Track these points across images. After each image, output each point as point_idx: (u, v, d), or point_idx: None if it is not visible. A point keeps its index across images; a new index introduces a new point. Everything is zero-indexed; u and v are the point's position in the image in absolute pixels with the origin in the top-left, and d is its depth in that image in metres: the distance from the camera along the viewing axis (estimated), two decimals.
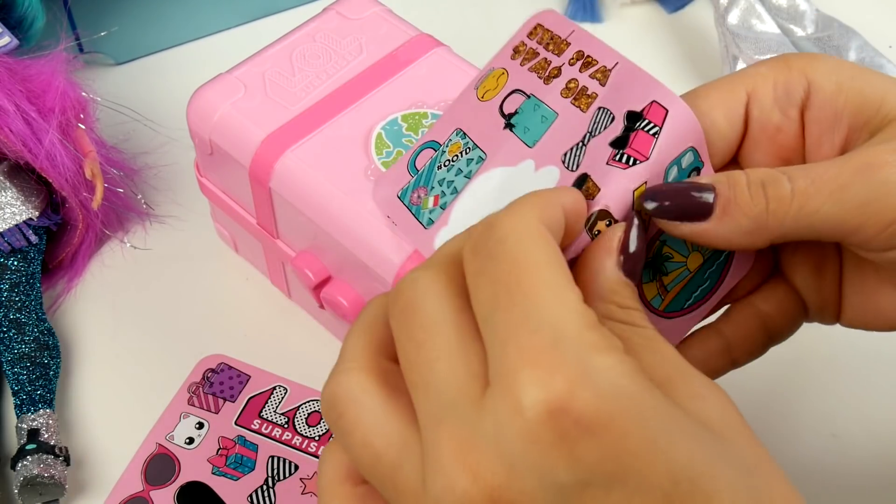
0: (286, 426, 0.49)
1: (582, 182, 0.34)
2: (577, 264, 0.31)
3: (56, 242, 0.55)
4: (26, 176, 0.53)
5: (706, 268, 0.36)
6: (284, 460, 0.48)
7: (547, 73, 0.38)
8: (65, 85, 0.51)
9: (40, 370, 0.49)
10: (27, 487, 0.45)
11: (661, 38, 0.66)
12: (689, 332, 0.37)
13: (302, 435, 0.48)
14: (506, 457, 0.25)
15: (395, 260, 0.42)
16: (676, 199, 0.32)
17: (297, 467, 0.47)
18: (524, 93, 0.39)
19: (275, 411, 0.49)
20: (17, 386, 0.48)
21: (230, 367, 0.51)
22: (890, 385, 0.51)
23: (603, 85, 0.36)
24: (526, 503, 0.25)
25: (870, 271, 0.35)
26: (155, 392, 0.50)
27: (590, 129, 0.36)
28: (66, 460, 0.46)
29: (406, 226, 0.40)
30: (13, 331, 0.50)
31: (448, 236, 0.36)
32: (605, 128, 0.35)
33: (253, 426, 0.49)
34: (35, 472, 0.45)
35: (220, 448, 0.48)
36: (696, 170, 0.34)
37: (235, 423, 0.49)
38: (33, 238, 0.52)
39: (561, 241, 0.29)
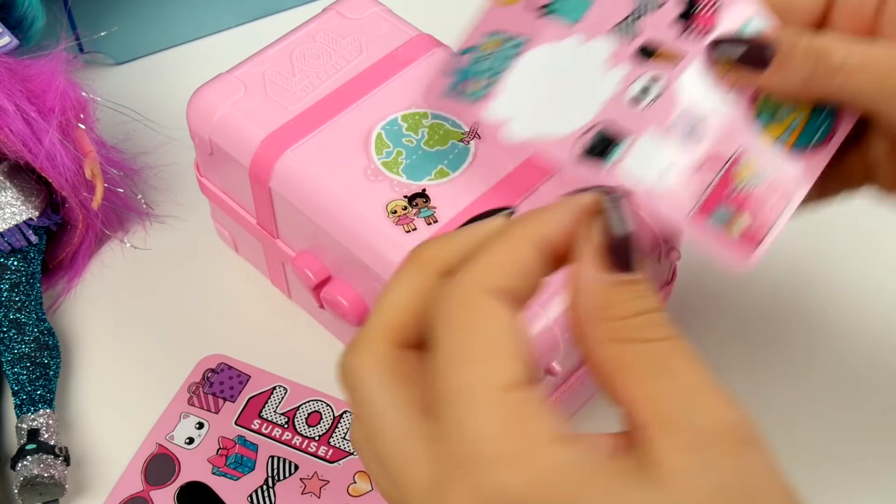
0: (286, 426, 0.49)
1: (650, 53, 0.40)
2: (568, 280, 0.29)
3: (56, 242, 0.55)
4: (26, 176, 0.53)
5: (819, 110, 0.39)
6: (284, 460, 0.48)
7: None
8: (65, 85, 0.51)
9: (40, 370, 0.49)
10: (27, 487, 0.45)
11: None
12: None
13: (302, 435, 0.48)
14: None
15: (395, 260, 0.42)
16: (742, 47, 0.38)
17: (297, 467, 0.48)
18: None
19: (275, 411, 0.49)
20: (17, 386, 0.48)
21: (230, 367, 0.51)
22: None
23: None
24: None
25: None
26: (155, 392, 0.50)
27: (640, 4, 0.41)
28: (66, 460, 0.46)
29: (457, 109, 0.41)
30: (13, 331, 0.50)
31: (501, 105, 0.40)
32: (656, 6, 0.41)
33: (253, 426, 0.49)
34: (35, 472, 0.45)
35: (220, 448, 0.48)
36: None
37: (235, 423, 0.49)
38: (33, 238, 0.52)
39: (551, 265, 0.29)
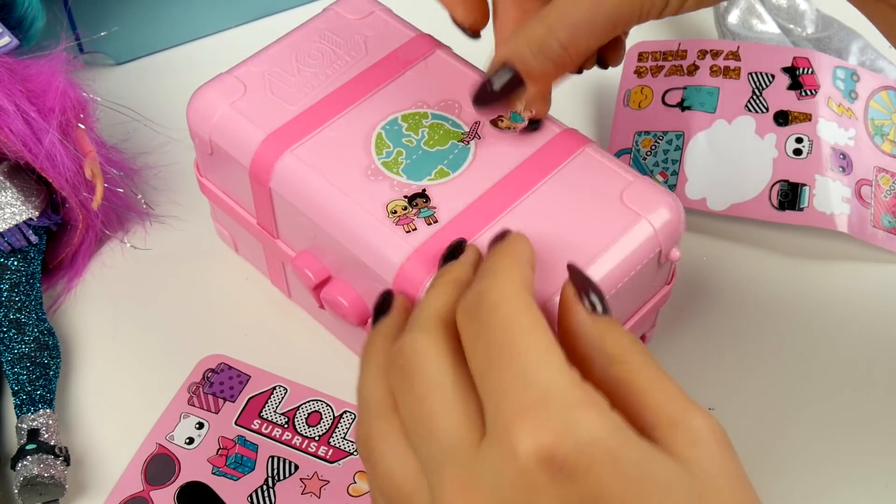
0: (286, 426, 0.49)
1: (786, 118, 0.54)
2: (559, 330, 0.35)
3: (56, 242, 0.55)
4: (26, 176, 0.53)
5: None
6: (284, 460, 0.48)
7: (686, 72, 0.57)
8: (65, 85, 0.51)
9: (40, 370, 0.49)
10: (27, 487, 0.45)
11: (662, 39, 0.66)
12: None
13: (302, 435, 0.49)
14: (500, 496, 0.29)
15: (395, 260, 0.42)
16: (498, 83, 0.41)
17: (297, 467, 0.48)
18: (678, 88, 0.57)
19: (275, 411, 0.49)
20: (17, 386, 0.48)
21: (230, 367, 0.51)
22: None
23: (739, 60, 0.57)
24: None
25: None
26: (155, 392, 0.50)
27: (754, 86, 0.56)
28: (66, 460, 0.46)
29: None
30: (13, 331, 0.50)
31: (694, 187, 0.55)
32: (770, 82, 0.56)
33: (253, 426, 0.49)
34: (35, 472, 0.45)
35: (220, 448, 0.48)
36: (853, 75, 0.57)
37: (235, 423, 0.49)
38: (33, 238, 0.52)
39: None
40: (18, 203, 0.52)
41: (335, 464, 0.48)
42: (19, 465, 0.45)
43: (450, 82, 0.48)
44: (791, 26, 0.63)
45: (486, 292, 0.32)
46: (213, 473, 0.47)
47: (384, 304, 0.38)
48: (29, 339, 0.50)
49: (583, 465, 0.28)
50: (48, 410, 0.48)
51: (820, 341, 0.52)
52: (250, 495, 0.47)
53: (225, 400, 0.50)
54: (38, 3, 0.53)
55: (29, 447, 0.46)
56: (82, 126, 0.52)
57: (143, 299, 0.54)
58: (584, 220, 0.43)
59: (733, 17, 0.62)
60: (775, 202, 0.53)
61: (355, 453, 0.48)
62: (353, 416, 0.49)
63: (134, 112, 0.58)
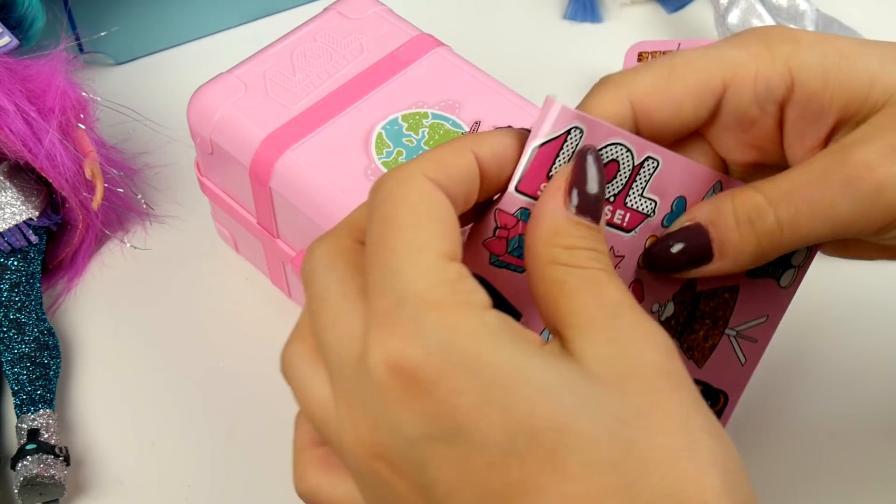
0: None
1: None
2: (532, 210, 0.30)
3: (56, 242, 0.55)
4: (26, 176, 0.53)
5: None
6: None
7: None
8: (65, 85, 0.51)
9: (40, 370, 0.49)
10: (27, 487, 0.45)
11: (662, 39, 0.66)
12: None
13: None
14: (370, 413, 0.26)
15: None
16: (676, 246, 0.33)
17: None
18: None
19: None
20: (17, 386, 0.48)
21: None
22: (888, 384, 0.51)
23: None
24: (392, 456, 0.26)
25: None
26: (155, 392, 0.50)
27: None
28: (66, 460, 0.46)
29: None
30: (13, 331, 0.50)
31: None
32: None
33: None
34: (35, 472, 0.45)
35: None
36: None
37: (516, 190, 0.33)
38: (33, 238, 0.52)
39: (481, 189, 0.29)
40: (18, 203, 0.52)
41: (631, 232, 0.33)
42: (19, 465, 0.45)
43: (450, 82, 0.48)
44: (791, 26, 0.63)
45: (379, 184, 0.28)
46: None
47: None
48: (29, 339, 0.50)
49: (433, 374, 0.25)
50: (48, 410, 0.48)
51: (820, 341, 0.52)
52: None
53: None
54: (38, 3, 0.53)
55: (29, 447, 0.46)
56: (82, 126, 0.52)
57: (143, 299, 0.54)
58: None
59: (733, 17, 0.62)
60: None
61: (652, 215, 0.34)
62: (656, 163, 0.33)
63: (134, 112, 0.58)
